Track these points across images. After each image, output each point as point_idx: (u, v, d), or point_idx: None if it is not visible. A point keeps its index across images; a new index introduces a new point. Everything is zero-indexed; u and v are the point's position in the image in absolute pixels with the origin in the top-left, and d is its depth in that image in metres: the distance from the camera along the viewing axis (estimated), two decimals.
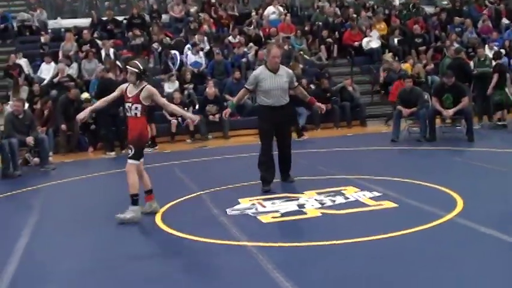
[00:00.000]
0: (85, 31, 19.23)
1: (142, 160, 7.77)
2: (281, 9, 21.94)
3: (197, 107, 16.28)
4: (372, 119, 17.29)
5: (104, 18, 21.10)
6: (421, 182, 8.78)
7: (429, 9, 23.69)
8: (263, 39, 19.99)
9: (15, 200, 9.90)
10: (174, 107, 8.52)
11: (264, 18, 21.56)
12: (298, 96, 9.55)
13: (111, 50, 18.10)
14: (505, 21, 22.48)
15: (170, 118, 15.70)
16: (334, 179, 9.35)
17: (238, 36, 19.82)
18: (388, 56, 19.31)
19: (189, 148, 14.79)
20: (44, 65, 17.40)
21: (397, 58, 19.09)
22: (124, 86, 7.82)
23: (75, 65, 17.52)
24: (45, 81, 16.80)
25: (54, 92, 16.02)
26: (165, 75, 17.28)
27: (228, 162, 12.42)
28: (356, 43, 20.37)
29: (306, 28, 20.86)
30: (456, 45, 18.13)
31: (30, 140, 12.16)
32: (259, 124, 9.23)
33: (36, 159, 12.79)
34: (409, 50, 19.63)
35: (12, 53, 18.24)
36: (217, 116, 15.93)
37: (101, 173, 11.58)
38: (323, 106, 9.62)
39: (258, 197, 8.36)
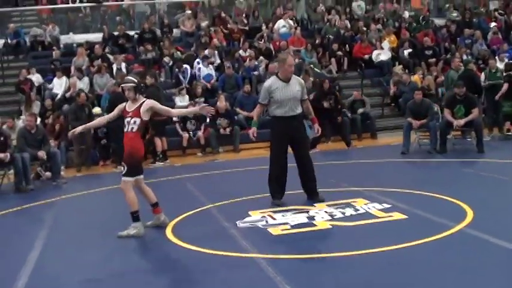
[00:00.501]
0: (97, 46, 19.37)
1: (141, 176, 7.74)
2: (291, 22, 22.02)
3: (208, 120, 16.34)
4: (382, 131, 17.27)
5: (116, 33, 21.25)
6: (431, 194, 8.78)
7: (439, 22, 23.71)
8: (273, 53, 20.08)
9: (27, 214, 9.97)
10: (178, 110, 8.48)
11: (274, 31, 21.63)
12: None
13: (123, 65, 18.22)
14: None
15: (181, 132, 15.77)
16: (344, 191, 9.37)
17: (248, 50, 19.90)
18: (398, 68, 19.33)
19: (200, 162, 14.84)
20: (55, 80, 17.52)
21: (407, 70, 19.11)
22: (123, 105, 7.79)
23: (86, 79, 17.63)
24: (58, 96, 16.92)
25: (66, 107, 16.15)
26: (175, 89, 17.38)
27: (238, 176, 12.46)
28: (366, 56, 20.42)
29: (317, 41, 20.92)
30: (458, 57, 18.13)
31: (42, 154, 12.26)
32: (272, 136, 9.11)
33: (48, 174, 12.88)
34: (419, 62, 19.65)
35: (24, 68, 18.37)
36: (227, 129, 15.99)
37: (112, 186, 11.60)
38: (319, 130, 9.35)
39: (268, 210, 8.38)
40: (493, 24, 22.60)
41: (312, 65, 19.35)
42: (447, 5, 25.40)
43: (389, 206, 8.14)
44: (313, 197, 8.82)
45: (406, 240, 6.47)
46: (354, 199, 8.68)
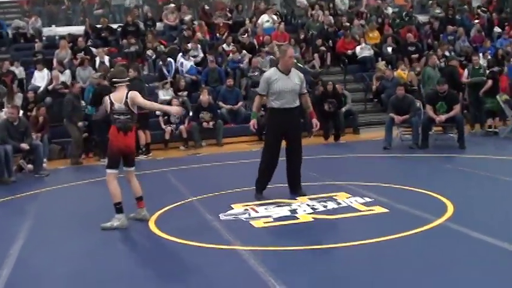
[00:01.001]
0: (80, 38, 19.29)
1: (131, 169, 7.79)
2: (275, 17, 22.07)
3: (191, 114, 16.35)
4: (364, 126, 17.35)
5: (99, 26, 21.16)
6: (412, 188, 8.87)
7: (422, 18, 23.85)
8: (257, 47, 20.12)
9: (10, 206, 9.94)
10: (154, 104, 8.52)
11: (258, 26, 21.65)
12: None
13: (106, 58, 18.16)
14: (497, 29, 22.66)
15: (164, 126, 15.77)
16: (326, 185, 9.43)
17: (232, 44, 19.91)
18: (381, 64, 19.41)
19: (183, 155, 14.84)
20: (36, 73, 17.37)
21: (390, 66, 19.21)
22: (105, 99, 7.76)
23: (67, 72, 17.55)
24: (40, 89, 16.83)
25: (48, 99, 16.10)
26: (159, 83, 17.36)
27: (221, 169, 12.49)
28: (349, 51, 20.50)
29: (300, 36, 20.96)
30: (438, 54, 18.27)
31: (25, 146, 12.22)
32: (267, 128, 9.10)
33: (30, 166, 12.84)
34: (402, 58, 19.76)
35: (6, 60, 18.25)
36: (210, 123, 16.00)
37: (94, 179, 11.61)
38: (318, 124, 9.29)
39: (251, 203, 8.41)
40: (476, 21, 22.77)
41: (295, 60, 19.36)
42: (430, 2, 25.51)
43: (371, 200, 8.21)
44: (295, 190, 8.86)
45: (387, 233, 6.53)
46: (335, 193, 8.74)
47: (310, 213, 7.68)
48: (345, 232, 6.96)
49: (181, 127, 15.79)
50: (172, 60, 18.14)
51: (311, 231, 7.07)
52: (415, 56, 19.87)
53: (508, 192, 8.61)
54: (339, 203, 8.14)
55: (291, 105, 8.67)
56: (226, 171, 12.29)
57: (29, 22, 21.34)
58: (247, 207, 8.16)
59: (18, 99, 15.95)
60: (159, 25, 22.13)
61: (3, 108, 14.50)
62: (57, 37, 20.88)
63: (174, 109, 8.74)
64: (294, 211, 7.83)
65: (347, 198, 8.42)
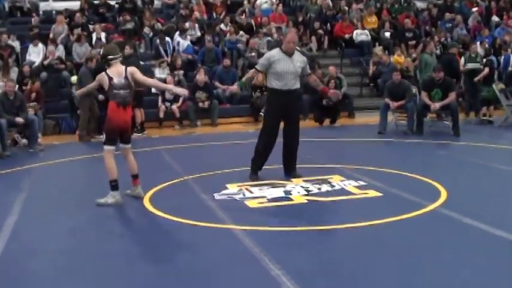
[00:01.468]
0: (77, 14, 19.18)
1: (128, 146, 7.80)
2: None
3: (186, 94, 16.30)
4: (360, 111, 17.37)
5: (96, 2, 21.04)
6: (406, 173, 8.92)
7: (421, 4, 23.82)
8: (254, 28, 20.08)
9: (4, 180, 9.94)
10: (154, 81, 8.50)
11: (256, 7, 21.58)
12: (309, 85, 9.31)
13: (103, 34, 18.09)
14: (495, 18, 22.65)
15: (161, 103, 15.75)
16: (320, 168, 9.47)
17: (229, 24, 19.87)
18: (378, 49, 19.42)
19: (177, 134, 14.86)
20: (32, 48, 17.27)
21: (387, 52, 19.21)
22: (101, 75, 7.69)
23: (61, 47, 17.50)
24: (36, 64, 16.75)
25: (44, 74, 16.06)
26: (156, 61, 17.33)
27: (215, 149, 12.52)
28: (347, 35, 20.48)
29: (299, 19, 20.91)
30: (435, 41, 18.29)
31: (20, 120, 12.20)
32: (266, 108, 9.11)
33: (25, 141, 12.83)
34: (399, 44, 19.76)
35: (2, 33, 18.13)
36: (206, 103, 15.99)
37: (89, 155, 11.62)
38: (338, 92, 9.09)
39: (246, 183, 8.44)
40: (474, 9, 22.75)
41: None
42: None
43: (365, 183, 8.25)
44: (290, 172, 8.88)
45: (381, 217, 6.57)
46: (330, 175, 8.78)
47: (305, 195, 7.72)
48: (338, 214, 7.01)
49: (173, 107, 15.77)
50: (169, 40, 18.10)
51: (305, 212, 7.10)
52: (413, 42, 19.87)
53: (501, 180, 8.66)
54: (333, 186, 8.18)
55: (292, 87, 8.67)
56: (221, 151, 12.32)
57: None
58: (241, 188, 8.19)
59: (14, 73, 15.88)
60: (156, 3, 22.03)
61: None
62: (54, 12, 20.75)
63: (180, 89, 8.67)
64: (288, 192, 7.87)
65: (341, 181, 8.46)
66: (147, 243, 6.22)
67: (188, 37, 18.54)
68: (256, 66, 9.03)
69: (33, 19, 19.76)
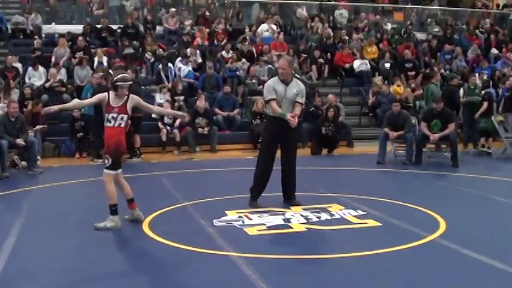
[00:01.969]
0: (80, 38, 19.29)
1: (120, 170, 7.77)
2: (274, 27, 22.14)
3: (186, 119, 16.35)
4: (358, 140, 17.41)
5: (98, 26, 21.18)
6: (405, 203, 8.93)
7: (420, 36, 24.00)
8: (255, 56, 20.21)
9: (3, 201, 9.92)
10: (158, 109, 8.44)
11: (257, 35, 21.74)
12: None
13: (104, 58, 18.19)
14: (494, 51, 22.84)
15: (161, 126, 15.77)
16: (320, 197, 9.49)
17: (231, 51, 19.99)
18: (377, 79, 19.54)
19: (176, 159, 14.87)
20: (30, 70, 17.31)
21: (386, 82, 19.32)
22: (103, 95, 7.69)
23: (63, 71, 17.60)
24: (38, 84, 16.83)
25: (44, 97, 16.10)
26: (156, 86, 17.41)
27: (215, 175, 12.54)
28: (347, 64, 20.62)
29: (300, 47, 21.06)
30: (438, 71, 18.43)
31: (20, 142, 12.22)
32: (264, 136, 9.17)
33: (24, 163, 12.83)
34: (398, 74, 19.88)
35: (5, 55, 18.21)
36: (206, 129, 16.03)
37: (88, 179, 11.62)
38: (295, 120, 9.01)
39: (245, 210, 8.45)
40: (474, 42, 22.94)
41: (292, 71, 19.45)
42: (429, 20, 25.73)
43: (364, 213, 8.27)
44: (289, 199, 8.90)
45: (380, 246, 6.58)
46: (329, 204, 8.80)
47: (304, 223, 7.73)
48: (337, 243, 6.99)
49: (175, 131, 15.82)
50: (171, 65, 18.22)
51: (304, 240, 7.11)
52: (412, 73, 20.00)
53: (499, 212, 8.68)
54: (332, 215, 8.19)
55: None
56: (220, 177, 12.34)
57: (29, 18, 21.32)
58: (241, 214, 8.20)
59: (15, 94, 15.93)
60: (158, 28, 22.19)
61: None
62: (56, 35, 20.86)
63: (181, 113, 8.61)
64: (287, 220, 7.88)
65: (340, 210, 8.47)
66: (145, 267, 6.21)
67: (189, 63, 18.62)
68: (267, 98, 8.81)
69: (35, 41, 19.84)
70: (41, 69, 17.35)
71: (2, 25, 20.93)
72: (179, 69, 18.36)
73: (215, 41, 21.23)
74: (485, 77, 18.84)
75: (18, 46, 20.36)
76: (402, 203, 8.97)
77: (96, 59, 18.17)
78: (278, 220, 7.88)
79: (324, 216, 8.11)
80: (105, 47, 19.66)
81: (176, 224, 7.98)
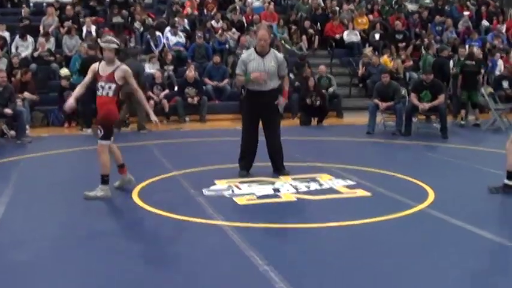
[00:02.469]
0: (68, 7, 19.11)
1: (112, 139, 7.75)
2: None
3: (176, 88, 16.33)
4: (348, 111, 17.40)
5: None
6: (394, 174, 8.97)
7: (411, 7, 23.91)
8: (245, 26, 20.09)
9: None
10: (141, 97, 8.12)
11: (247, 5, 21.61)
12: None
13: (93, 27, 18.04)
14: (484, 23, 22.79)
15: (152, 95, 15.64)
16: (309, 167, 9.50)
17: (220, 21, 19.86)
18: (367, 50, 19.48)
19: (166, 129, 14.82)
20: (18, 40, 17.19)
21: (376, 53, 19.28)
22: (95, 65, 7.69)
23: (52, 40, 17.46)
24: (26, 53, 16.70)
25: (33, 66, 16.00)
26: (146, 56, 17.31)
27: (204, 145, 12.54)
28: (337, 35, 20.55)
29: (290, 18, 20.95)
30: (435, 43, 18.40)
31: (9, 111, 12.14)
32: (243, 109, 9.15)
33: (13, 132, 12.76)
34: (389, 45, 19.83)
35: None
36: (195, 99, 15.98)
37: (78, 148, 11.59)
38: (282, 104, 9.08)
39: (234, 180, 8.46)
40: (466, 13, 22.85)
41: (283, 41, 19.42)
42: None
43: (353, 183, 8.29)
44: (278, 169, 8.90)
45: (369, 216, 6.61)
46: (318, 174, 8.81)
47: (293, 193, 7.75)
48: (326, 213, 7.01)
49: (164, 102, 15.74)
50: (161, 35, 18.09)
51: (293, 210, 7.14)
52: (402, 44, 19.95)
53: (486, 182, 8.70)
54: (321, 184, 8.21)
55: (263, 88, 8.59)
56: (209, 147, 12.32)
57: None
58: (230, 184, 8.20)
59: (3, 64, 15.81)
60: None
61: None
62: (44, 4, 20.65)
63: (155, 119, 8.20)
64: (277, 190, 7.89)
65: (329, 180, 8.49)
66: (135, 236, 6.23)
67: (180, 33, 18.49)
68: (236, 71, 8.93)
69: (23, 10, 19.66)
70: (30, 38, 17.19)
71: None
72: (168, 38, 18.24)
73: (205, 11, 21.10)
74: (475, 49, 18.78)
75: (6, 15, 20.15)
76: (391, 173, 9.01)
77: (84, 28, 18.02)
78: (267, 190, 7.89)
79: (313, 186, 8.13)
80: (93, 16, 19.48)
81: (166, 193, 7.98)
